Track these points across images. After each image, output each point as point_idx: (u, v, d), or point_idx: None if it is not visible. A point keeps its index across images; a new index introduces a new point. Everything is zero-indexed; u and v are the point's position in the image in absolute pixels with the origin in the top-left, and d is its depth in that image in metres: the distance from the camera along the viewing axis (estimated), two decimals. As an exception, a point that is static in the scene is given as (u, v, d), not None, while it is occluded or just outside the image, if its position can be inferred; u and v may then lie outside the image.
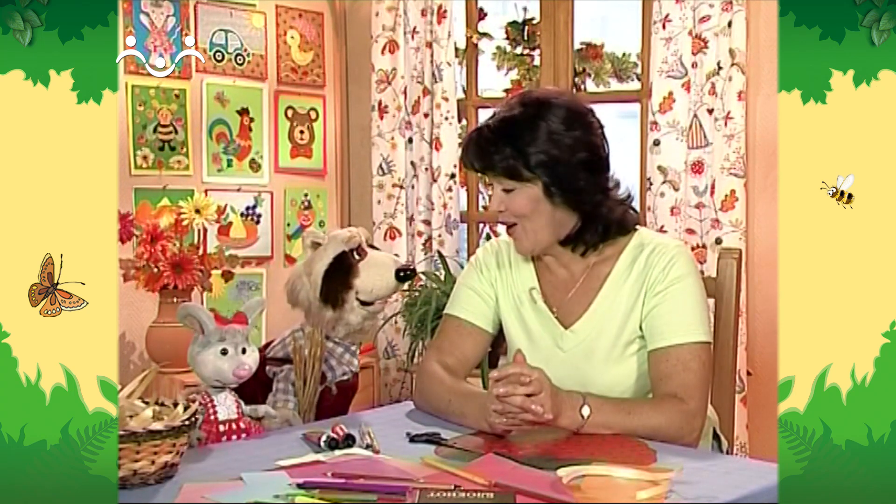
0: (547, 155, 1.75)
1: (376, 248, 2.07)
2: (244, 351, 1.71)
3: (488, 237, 3.74)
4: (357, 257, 1.98)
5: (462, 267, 3.56)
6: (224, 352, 1.69)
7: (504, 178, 1.78)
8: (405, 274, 1.99)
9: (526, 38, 3.74)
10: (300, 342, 1.95)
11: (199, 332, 1.71)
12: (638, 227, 1.88)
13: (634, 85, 3.59)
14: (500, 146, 1.77)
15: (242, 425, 1.71)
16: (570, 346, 1.82)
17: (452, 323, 1.95)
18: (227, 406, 1.70)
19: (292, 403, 1.92)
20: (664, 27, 3.08)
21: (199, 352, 1.70)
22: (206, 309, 1.76)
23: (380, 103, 3.61)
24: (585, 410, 1.64)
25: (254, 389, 1.89)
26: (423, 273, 3.49)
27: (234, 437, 1.69)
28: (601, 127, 1.84)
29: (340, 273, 1.96)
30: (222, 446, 1.64)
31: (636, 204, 1.93)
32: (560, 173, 1.76)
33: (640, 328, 1.79)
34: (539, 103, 1.79)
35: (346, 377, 2.02)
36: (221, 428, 1.68)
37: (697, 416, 1.72)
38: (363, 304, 1.97)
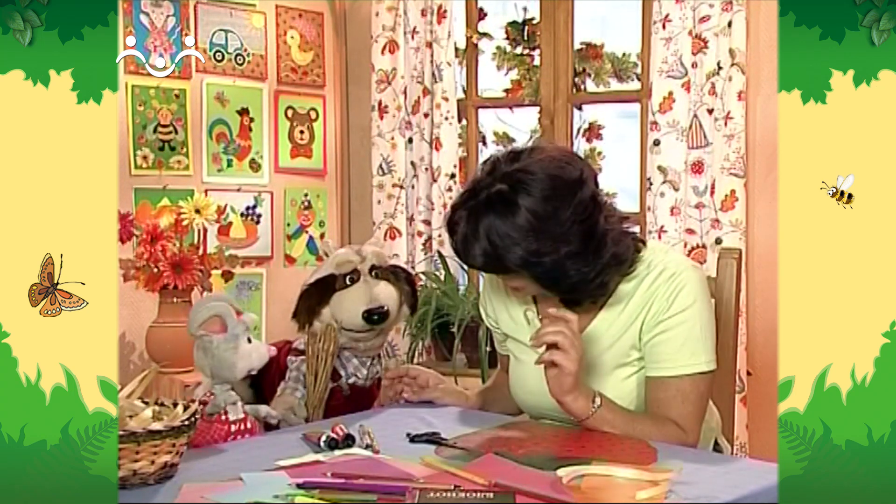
0: (528, 252, 1.61)
1: (392, 273, 2.01)
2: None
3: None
4: (348, 283, 1.95)
5: (462, 267, 3.58)
6: (249, 340, 1.71)
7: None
8: (375, 317, 1.92)
9: (526, 38, 3.74)
10: (315, 335, 1.93)
11: (220, 331, 1.70)
12: (645, 243, 1.78)
13: (634, 85, 3.59)
14: (476, 246, 1.63)
15: (249, 424, 1.71)
16: None
17: (500, 359, 2.05)
18: (235, 406, 1.70)
19: (300, 393, 1.92)
20: (664, 27, 3.08)
21: (233, 348, 1.69)
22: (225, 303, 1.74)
23: (380, 103, 3.61)
24: (597, 401, 1.65)
25: (274, 379, 1.90)
26: (423, 273, 3.49)
27: (241, 436, 1.69)
28: (593, 181, 1.68)
29: (316, 296, 1.94)
30: (222, 446, 1.64)
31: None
32: (545, 267, 1.63)
33: (638, 351, 1.75)
34: (516, 180, 1.61)
35: (359, 381, 2.01)
36: (233, 428, 1.69)
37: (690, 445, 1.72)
38: (345, 329, 1.95)
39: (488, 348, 3.00)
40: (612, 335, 1.75)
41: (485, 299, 1.97)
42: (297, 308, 1.95)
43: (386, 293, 1.97)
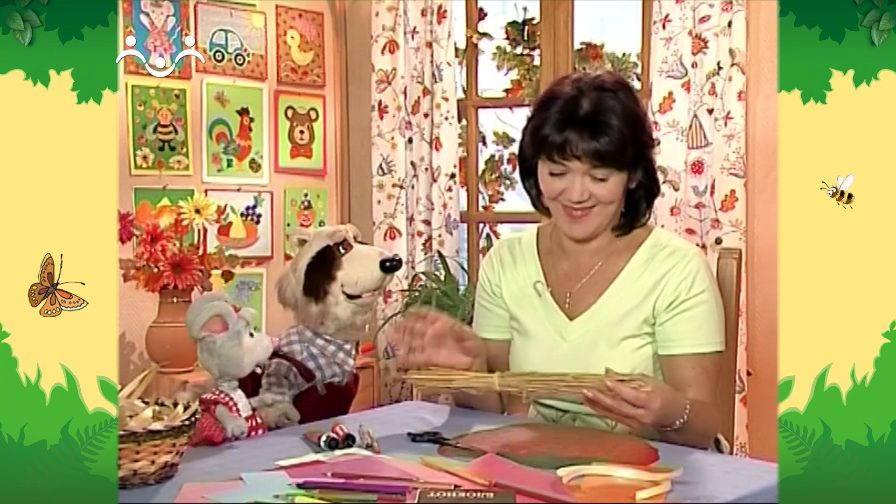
0: (640, 140, 1.75)
1: (365, 244, 2.07)
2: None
3: (488, 237, 3.74)
4: (342, 251, 1.98)
5: (462, 267, 3.58)
6: (251, 334, 1.71)
7: (599, 165, 1.70)
8: (391, 265, 1.98)
9: (526, 38, 3.74)
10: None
11: (221, 330, 1.70)
12: (654, 225, 1.88)
13: (634, 85, 3.58)
14: (607, 129, 1.69)
15: (257, 421, 1.71)
16: (573, 337, 1.82)
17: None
18: (243, 403, 1.70)
19: (288, 396, 1.91)
20: (664, 27, 3.08)
21: (236, 344, 1.68)
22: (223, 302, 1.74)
23: (380, 103, 3.61)
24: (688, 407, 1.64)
25: (245, 382, 1.90)
26: (423, 273, 3.49)
27: (251, 433, 1.69)
28: None
29: (324, 266, 1.96)
30: (222, 446, 1.64)
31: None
32: (647, 158, 1.78)
33: (649, 327, 1.78)
34: (616, 84, 1.75)
35: (336, 378, 1.99)
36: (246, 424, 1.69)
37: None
38: (350, 297, 1.97)
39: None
40: (624, 308, 1.79)
41: (494, 273, 1.96)
42: (308, 282, 1.95)
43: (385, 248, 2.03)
